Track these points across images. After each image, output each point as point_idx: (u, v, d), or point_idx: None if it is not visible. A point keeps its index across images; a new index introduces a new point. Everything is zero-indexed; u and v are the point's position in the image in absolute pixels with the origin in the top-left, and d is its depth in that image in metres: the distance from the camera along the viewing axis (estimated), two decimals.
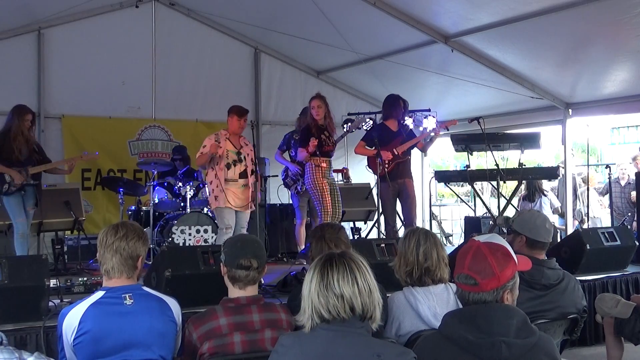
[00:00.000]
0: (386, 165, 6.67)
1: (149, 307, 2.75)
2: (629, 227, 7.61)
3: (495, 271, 2.23)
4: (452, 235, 12.50)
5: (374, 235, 7.80)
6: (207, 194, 6.27)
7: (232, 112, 6.18)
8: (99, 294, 2.73)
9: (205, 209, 7.21)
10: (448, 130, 7.38)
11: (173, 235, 6.75)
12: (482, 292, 2.23)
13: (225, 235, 5.89)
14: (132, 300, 2.71)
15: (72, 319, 2.65)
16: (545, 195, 8.78)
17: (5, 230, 6.44)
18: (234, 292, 2.84)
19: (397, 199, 6.94)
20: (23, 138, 6.05)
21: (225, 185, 6.02)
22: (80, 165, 7.95)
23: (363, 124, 8.20)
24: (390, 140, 6.84)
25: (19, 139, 6.00)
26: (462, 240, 8.23)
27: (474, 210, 10.24)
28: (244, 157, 6.17)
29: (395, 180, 6.75)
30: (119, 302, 2.70)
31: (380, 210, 7.27)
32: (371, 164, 6.97)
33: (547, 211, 8.49)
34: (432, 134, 7.21)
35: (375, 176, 6.92)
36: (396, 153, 6.79)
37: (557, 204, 8.75)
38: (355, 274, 2.15)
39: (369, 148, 6.84)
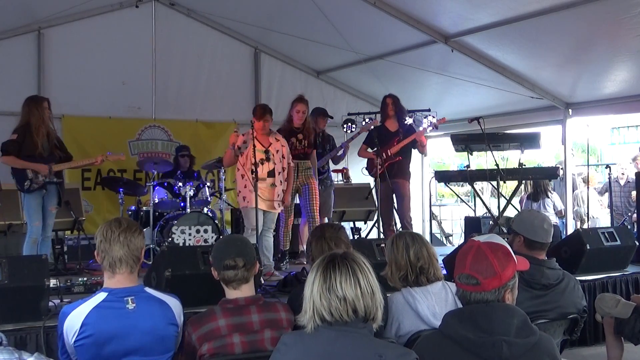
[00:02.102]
0: (379, 167, 6.73)
1: (151, 310, 2.74)
2: (628, 227, 7.61)
3: (497, 270, 2.23)
4: (452, 235, 12.51)
5: (374, 235, 7.81)
6: (238, 191, 6.12)
7: (253, 114, 6.05)
8: (101, 296, 2.71)
9: (205, 209, 7.21)
10: (437, 129, 7.39)
11: (173, 235, 6.74)
12: (484, 292, 2.23)
13: (250, 236, 5.81)
14: (134, 304, 2.70)
15: (73, 321, 2.64)
16: (549, 197, 8.78)
17: (6, 230, 6.42)
18: (231, 293, 2.85)
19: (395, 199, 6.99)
20: (45, 129, 5.76)
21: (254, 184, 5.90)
22: None
23: (372, 127, 8.22)
24: (387, 140, 6.91)
25: (41, 130, 5.72)
26: (462, 240, 8.23)
27: (474, 210, 10.24)
28: (272, 155, 5.99)
29: (390, 179, 6.83)
30: (121, 305, 2.68)
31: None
32: (368, 166, 7.01)
33: (549, 212, 8.49)
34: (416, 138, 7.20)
35: (376, 178, 6.95)
36: (389, 154, 6.85)
37: (561, 206, 8.74)
38: (358, 276, 2.14)
39: (370, 150, 6.86)
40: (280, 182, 6.02)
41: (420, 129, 8.30)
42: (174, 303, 2.85)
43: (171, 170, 7.71)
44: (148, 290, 2.83)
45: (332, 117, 7.87)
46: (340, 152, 7.58)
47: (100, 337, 2.62)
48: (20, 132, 5.73)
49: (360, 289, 2.12)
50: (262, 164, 5.95)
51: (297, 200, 6.76)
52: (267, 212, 6.04)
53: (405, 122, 7.26)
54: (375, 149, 6.72)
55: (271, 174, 5.99)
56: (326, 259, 2.20)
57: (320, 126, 7.36)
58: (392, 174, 6.85)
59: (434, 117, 8.95)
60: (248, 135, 5.91)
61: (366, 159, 7.22)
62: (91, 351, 2.62)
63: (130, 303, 2.70)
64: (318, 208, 6.57)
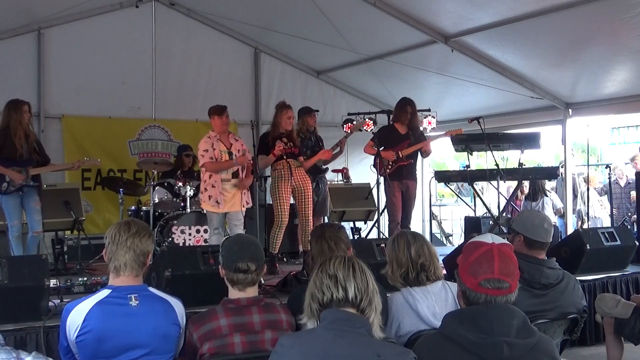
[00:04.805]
0: (388, 167, 6.72)
1: (154, 308, 2.74)
2: (629, 227, 7.62)
3: (518, 271, 2.24)
4: (452, 235, 12.51)
5: (374, 235, 7.81)
6: (200, 191, 6.27)
7: (212, 113, 6.21)
8: (104, 293, 2.72)
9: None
10: (453, 136, 7.39)
11: (173, 235, 6.75)
12: (510, 294, 2.22)
13: (214, 237, 5.98)
14: (137, 302, 2.70)
15: (76, 316, 2.65)
16: (547, 196, 8.79)
17: (5, 229, 6.42)
18: (234, 293, 2.85)
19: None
20: (23, 131, 5.92)
21: (221, 187, 6.01)
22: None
23: (361, 128, 8.22)
24: (396, 142, 6.89)
25: (19, 133, 5.88)
26: (462, 240, 8.22)
27: (474, 210, 10.25)
28: (235, 155, 6.11)
29: (401, 180, 6.84)
30: (125, 302, 2.69)
31: (381, 210, 7.28)
32: (377, 165, 7.00)
33: (549, 211, 8.50)
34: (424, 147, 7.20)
35: (378, 176, 6.95)
36: (400, 156, 6.84)
37: (560, 204, 8.75)
38: (354, 264, 2.20)
39: (376, 148, 6.85)
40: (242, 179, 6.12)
41: (424, 129, 8.32)
42: (177, 304, 2.85)
43: (171, 170, 7.71)
44: (151, 289, 2.84)
45: (317, 110, 7.83)
46: (337, 150, 7.57)
47: (101, 332, 2.62)
48: (0, 135, 5.88)
49: (353, 272, 2.17)
50: None
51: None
52: (234, 212, 6.10)
53: (417, 127, 7.26)
54: (382, 147, 6.71)
55: (235, 174, 6.11)
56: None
57: (310, 124, 7.35)
58: (403, 174, 6.89)
59: (433, 116, 8.97)
60: (212, 139, 6.10)
61: (373, 158, 7.20)
62: (92, 347, 2.62)
63: (133, 300, 2.70)
64: (312, 212, 6.61)
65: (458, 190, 12.60)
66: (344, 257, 2.23)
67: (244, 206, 6.14)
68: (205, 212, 6.32)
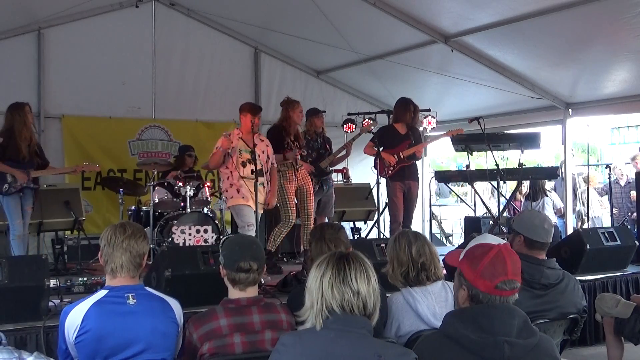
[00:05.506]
0: (390, 168, 6.71)
1: (152, 307, 2.76)
2: (629, 227, 7.62)
3: (520, 270, 2.26)
4: (452, 235, 12.51)
5: (374, 235, 7.81)
6: (223, 191, 6.19)
7: (245, 110, 6.07)
8: (102, 293, 2.74)
9: (205, 209, 7.21)
10: (454, 136, 7.39)
11: (173, 235, 6.74)
12: (517, 293, 2.24)
13: (247, 234, 5.83)
14: (134, 300, 2.72)
15: (74, 318, 2.66)
16: (547, 196, 8.78)
17: (5, 230, 6.43)
18: (234, 293, 2.85)
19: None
20: (28, 133, 6.00)
21: (243, 182, 5.91)
22: None
23: (372, 128, 8.19)
24: (397, 143, 6.86)
25: (24, 134, 5.96)
26: (462, 240, 8.23)
27: (474, 210, 10.25)
28: (258, 156, 5.94)
29: (403, 181, 6.82)
30: (122, 301, 2.70)
31: (381, 210, 7.27)
32: (378, 167, 7.00)
33: (549, 211, 8.49)
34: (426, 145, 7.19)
35: (379, 177, 6.93)
36: (402, 157, 6.82)
37: (560, 204, 8.75)
38: (369, 274, 2.19)
39: (376, 149, 6.83)
40: (268, 182, 6.01)
41: (424, 129, 8.30)
42: (174, 304, 2.87)
43: (171, 170, 7.71)
44: (148, 289, 2.86)
45: (325, 112, 7.80)
46: (343, 152, 7.57)
47: (100, 332, 2.63)
48: (5, 136, 5.94)
49: (372, 287, 2.17)
50: (250, 163, 5.92)
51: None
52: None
53: (417, 127, 7.23)
54: (381, 148, 6.70)
55: (259, 173, 5.96)
56: (337, 255, 2.24)
57: (318, 125, 7.32)
58: (405, 176, 6.86)
59: (433, 117, 8.96)
60: (233, 135, 6.02)
61: (373, 159, 7.20)
62: (91, 346, 2.63)
63: (131, 299, 2.72)
64: (313, 210, 6.60)
65: (439, 191, 12.67)
66: (361, 266, 2.19)
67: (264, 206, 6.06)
68: (229, 209, 6.26)
